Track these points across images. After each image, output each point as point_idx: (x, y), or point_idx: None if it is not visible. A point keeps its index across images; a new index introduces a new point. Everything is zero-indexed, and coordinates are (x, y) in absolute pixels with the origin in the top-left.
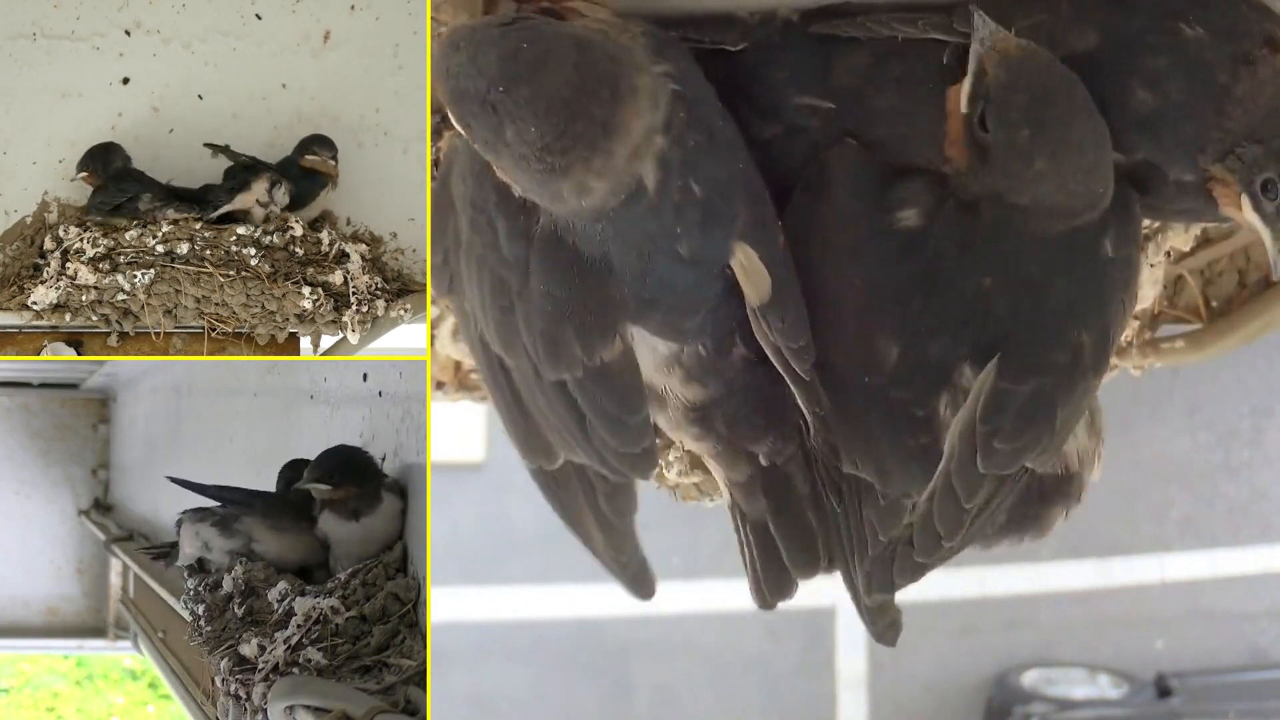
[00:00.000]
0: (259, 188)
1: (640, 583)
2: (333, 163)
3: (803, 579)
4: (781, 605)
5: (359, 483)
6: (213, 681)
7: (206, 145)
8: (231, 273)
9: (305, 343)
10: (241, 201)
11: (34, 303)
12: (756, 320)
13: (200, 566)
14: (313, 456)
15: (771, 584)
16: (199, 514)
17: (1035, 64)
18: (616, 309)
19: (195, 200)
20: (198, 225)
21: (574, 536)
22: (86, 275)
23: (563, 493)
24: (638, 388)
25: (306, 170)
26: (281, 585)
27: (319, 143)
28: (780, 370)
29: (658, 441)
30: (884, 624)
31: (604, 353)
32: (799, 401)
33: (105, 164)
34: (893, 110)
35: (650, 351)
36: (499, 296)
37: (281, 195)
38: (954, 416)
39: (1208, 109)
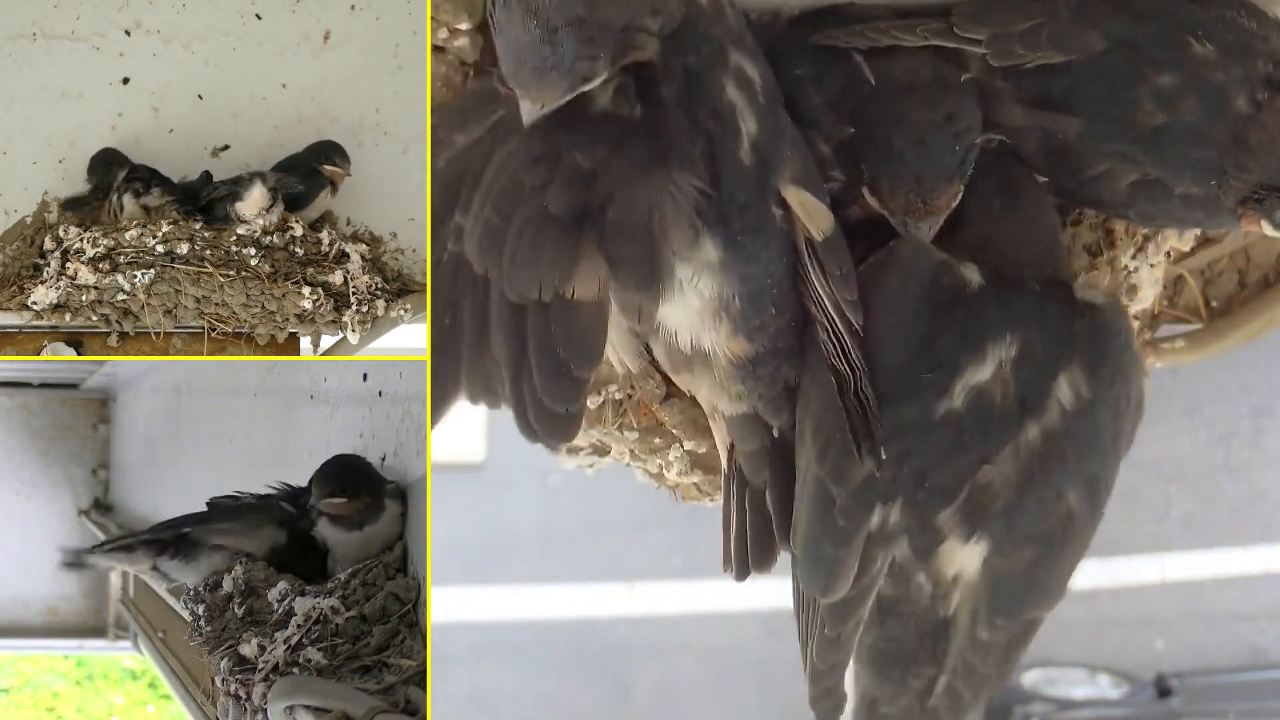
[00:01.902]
0: (256, 196)
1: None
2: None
3: (787, 551)
4: (781, 605)
5: (371, 492)
6: (213, 681)
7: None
8: (231, 273)
9: (305, 343)
10: (239, 211)
11: (34, 303)
12: (815, 265)
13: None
14: (313, 456)
15: (757, 554)
16: (157, 546)
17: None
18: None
19: (193, 195)
20: (198, 225)
21: None
22: (86, 275)
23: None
24: (598, 340)
25: (312, 171)
26: (281, 585)
27: (339, 153)
28: (836, 321)
29: (658, 441)
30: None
31: (580, 287)
32: (849, 355)
33: (109, 175)
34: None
35: (697, 297)
36: (503, 202)
37: (274, 216)
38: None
39: (1223, 136)
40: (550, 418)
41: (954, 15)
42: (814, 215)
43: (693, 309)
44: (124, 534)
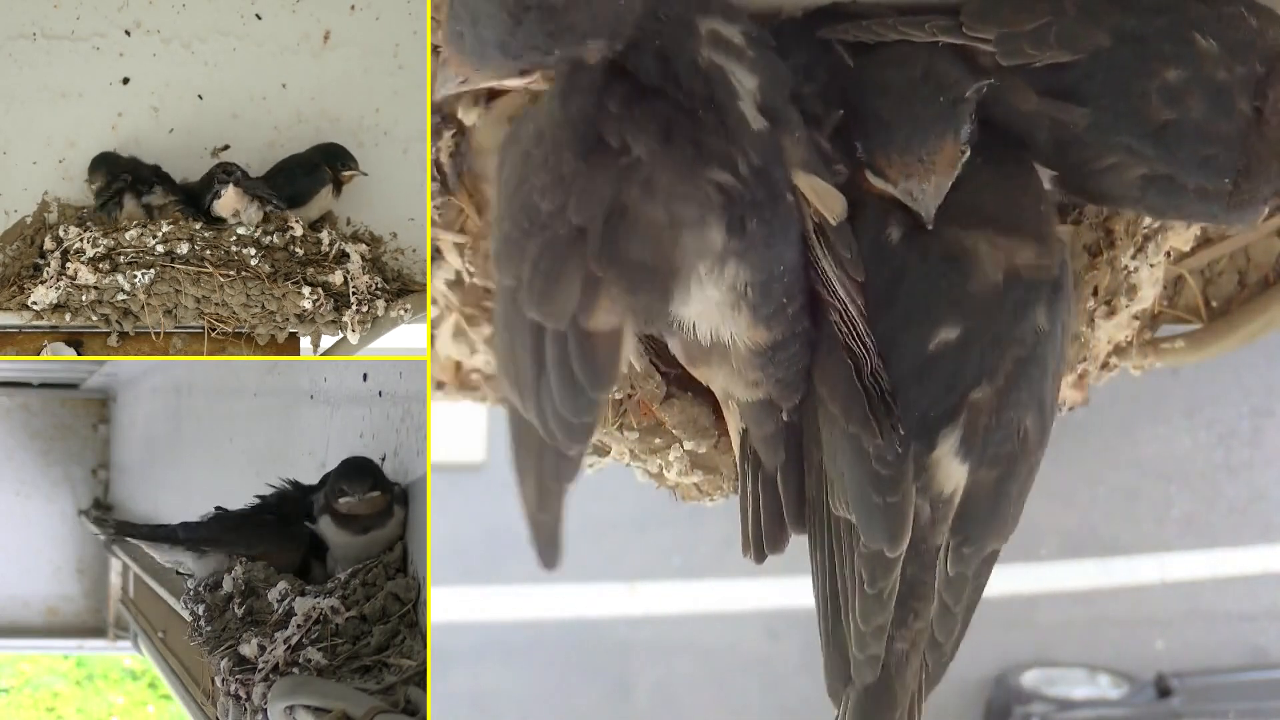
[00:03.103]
0: (230, 198)
1: (549, 549)
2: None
3: (797, 533)
4: (781, 605)
5: (389, 489)
6: (213, 681)
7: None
8: (231, 273)
9: (305, 343)
10: (219, 209)
11: (34, 303)
12: (827, 248)
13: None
14: (313, 456)
15: (771, 536)
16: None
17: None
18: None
19: (195, 197)
20: (198, 225)
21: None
22: (86, 275)
23: (523, 433)
24: (613, 366)
25: (314, 168)
26: (281, 585)
27: (350, 157)
28: (848, 304)
29: (658, 441)
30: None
31: (599, 318)
32: (863, 337)
33: (114, 174)
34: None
35: (716, 288)
36: (522, 219)
37: (253, 214)
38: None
39: (1231, 135)
40: (567, 425)
41: (962, 14)
42: (826, 200)
43: (712, 301)
44: (143, 525)
